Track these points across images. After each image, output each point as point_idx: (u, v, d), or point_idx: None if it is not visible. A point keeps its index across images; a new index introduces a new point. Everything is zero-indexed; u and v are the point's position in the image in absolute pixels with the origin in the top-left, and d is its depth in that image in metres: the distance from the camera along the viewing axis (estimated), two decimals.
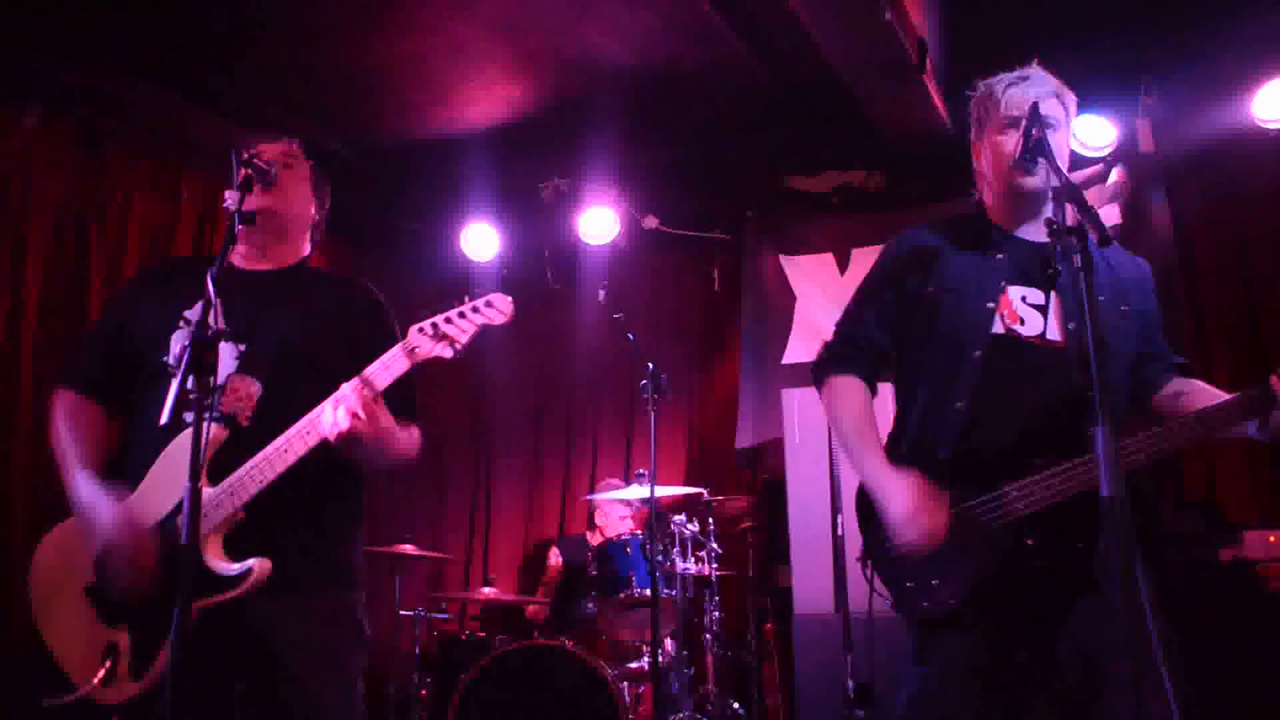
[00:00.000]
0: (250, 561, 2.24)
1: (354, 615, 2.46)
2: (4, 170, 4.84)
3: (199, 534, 1.92)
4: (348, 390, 2.27)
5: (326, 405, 2.27)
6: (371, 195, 6.44)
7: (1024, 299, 2.37)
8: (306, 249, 2.68)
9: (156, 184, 5.55)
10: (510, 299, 2.31)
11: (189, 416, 2.27)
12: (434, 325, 2.30)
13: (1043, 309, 2.37)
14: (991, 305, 2.35)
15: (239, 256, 2.57)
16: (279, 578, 2.27)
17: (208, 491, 2.28)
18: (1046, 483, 2.21)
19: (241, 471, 2.29)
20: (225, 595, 2.24)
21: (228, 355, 2.40)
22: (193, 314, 2.36)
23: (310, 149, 2.65)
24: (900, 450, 2.44)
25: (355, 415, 2.22)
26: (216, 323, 2.02)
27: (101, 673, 2.26)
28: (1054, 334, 2.35)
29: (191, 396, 1.95)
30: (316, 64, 5.20)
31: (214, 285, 2.08)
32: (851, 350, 2.54)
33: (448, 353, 2.30)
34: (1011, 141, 2.37)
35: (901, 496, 2.28)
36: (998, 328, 2.34)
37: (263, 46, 5.02)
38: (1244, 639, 4.59)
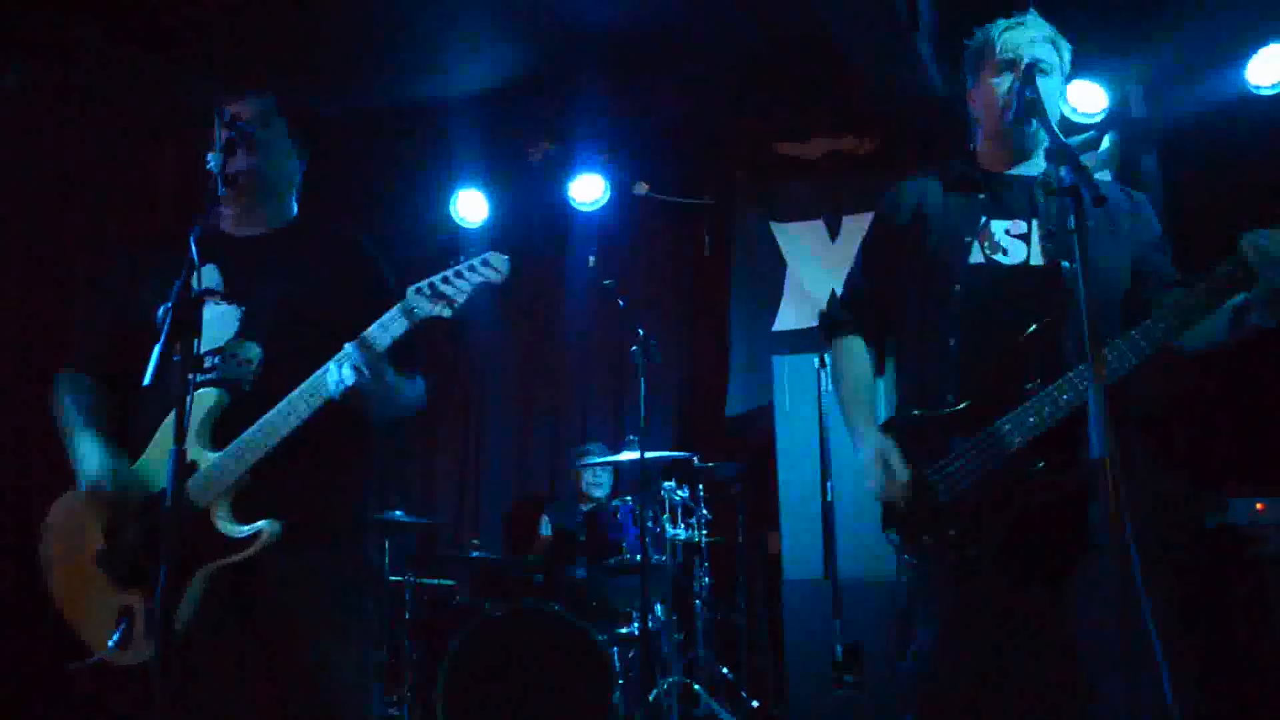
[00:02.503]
0: (260, 523, 2.26)
1: (366, 566, 2.53)
2: None
3: (182, 497, 1.90)
4: (351, 349, 2.27)
5: (331, 365, 2.27)
6: (360, 159, 6.38)
7: (1006, 231, 2.39)
8: (295, 207, 2.67)
9: (136, 146, 5.48)
10: (506, 257, 2.31)
11: (196, 379, 2.28)
12: (431, 285, 2.30)
13: (1025, 237, 2.38)
14: (969, 239, 2.39)
15: (230, 222, 2.55)
16: (289, 531, 2.29)
17: (214, 457, 2.30)
18: (1036, 410, 2.21)
19: (248, 435, 2.30)
20: (236, 557, 2.26)
21: (228, 319, 2.40)
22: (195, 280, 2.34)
23: (285, 105, 2.61)
24: (907, 401, 2.46)
25: (359, 371, 2.23)
26: (199, 285, 1.99)
27: (117, 635, 2.28)
28: (1036, 259, 2.36)
29: (176, 359, 1.93)
30: (303, 26, 5.13)
31: (206, 251, 2.06)
32: (853, 311, 2.60)
33: (446, 312, 2.31)
34: (1005, 84, 2.40)
35: (866, 454, 2.39)
36: (976, 257, 2.38)
37: (250, 7, 4.94)
38: (1227, 604, 4.63)
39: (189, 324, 1.97)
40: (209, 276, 2.42)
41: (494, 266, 2.30)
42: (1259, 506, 4.85)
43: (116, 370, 2.47)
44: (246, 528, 2.26)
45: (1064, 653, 2.27)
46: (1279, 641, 4.58)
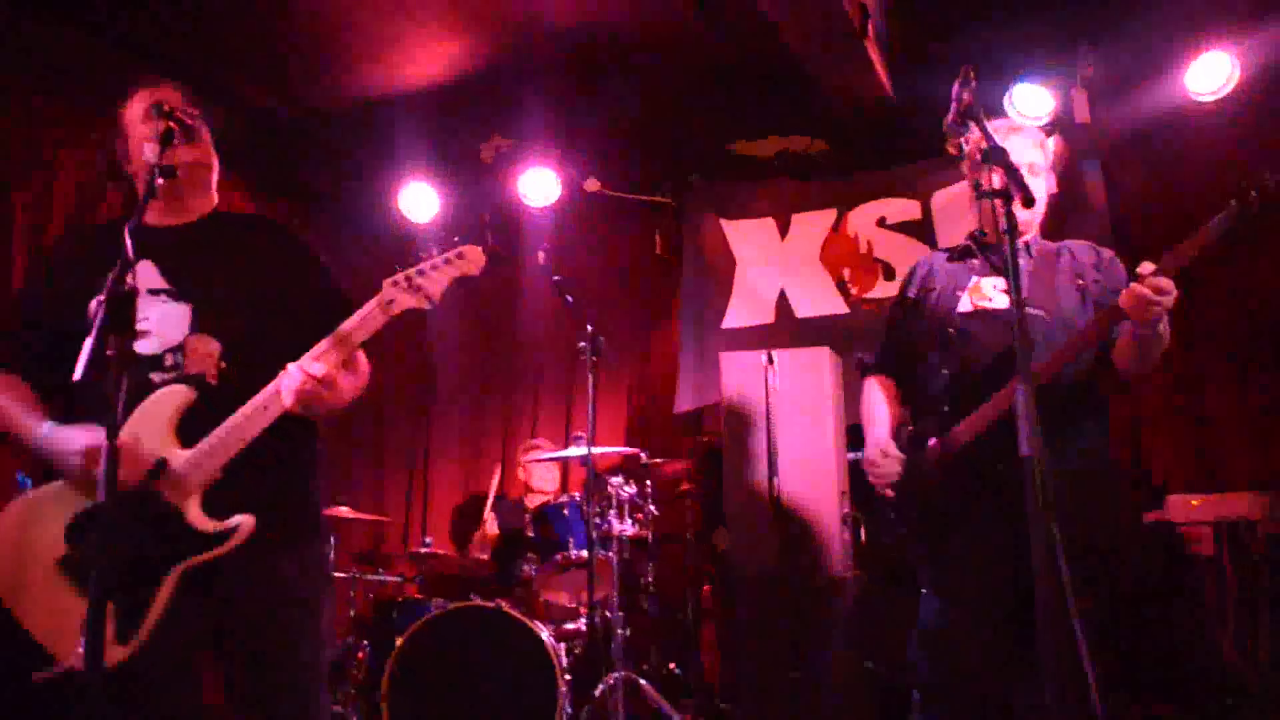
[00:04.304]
0: (236, 519, 2.24)
1: (325, 566, 2.51)
2: None
3: (115, 493, 1.87)
4: (321, 348, 2.27)
5: (293, 368, 2.25)
6: (308, 153, 6.33)
7: (995, 286, 2.93)
8: (216, 196, 2.63)
9: (84, 141, 5.39)
10: (481, 249, 2.33)
11: (158, 378, 2.26)
12: (408, 278, 2.30)
13: (1009, 291, 2.75)
14: (961, 293, 2.96)
15: (154, 213, 2.47)
16: (257, 531, 2.27)
17: (184, 454, 2.26)
18: (980, 413, 2.73)
19: (221, 432, 2.26)
20: (214, 553, 2.23)
21: (180, 316, 2.36)
22: (130, 276, 2.29)
23: (199, 92, 2.58)
24: (919, 420, 3.01)
25: (320, 374, 2.23)
26: (134, 279, 1.96)
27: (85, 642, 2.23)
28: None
29: (110, 354, 1.90)
30: (253, 19, 5.07)
31: (137, 245, 2.02)
32: (885, 356, 3.24)
33: (424, 304, 2.31)
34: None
35: (870, 448, 3.01)
36: (966, 307, 2.94)
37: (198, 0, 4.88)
38: (1165, 599, 4.73)
39: (122, 321, 1.93)
40: (146, 273, 2.37)
41: (470, 259, 2.32)
42: (1194, 502, 4.96)
43: (44, 373, 2.40)
44: (221, 525, 2.24)
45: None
46: (1210, 634, 4.68)
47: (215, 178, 2.60)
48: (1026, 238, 2.99)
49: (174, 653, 2.24)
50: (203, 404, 2.29)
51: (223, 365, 2.34)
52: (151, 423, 2.26)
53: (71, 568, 2.29)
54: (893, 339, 3.23)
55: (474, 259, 2.31)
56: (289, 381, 2.24)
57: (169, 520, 2.23)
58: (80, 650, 2.18)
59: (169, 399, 2.28)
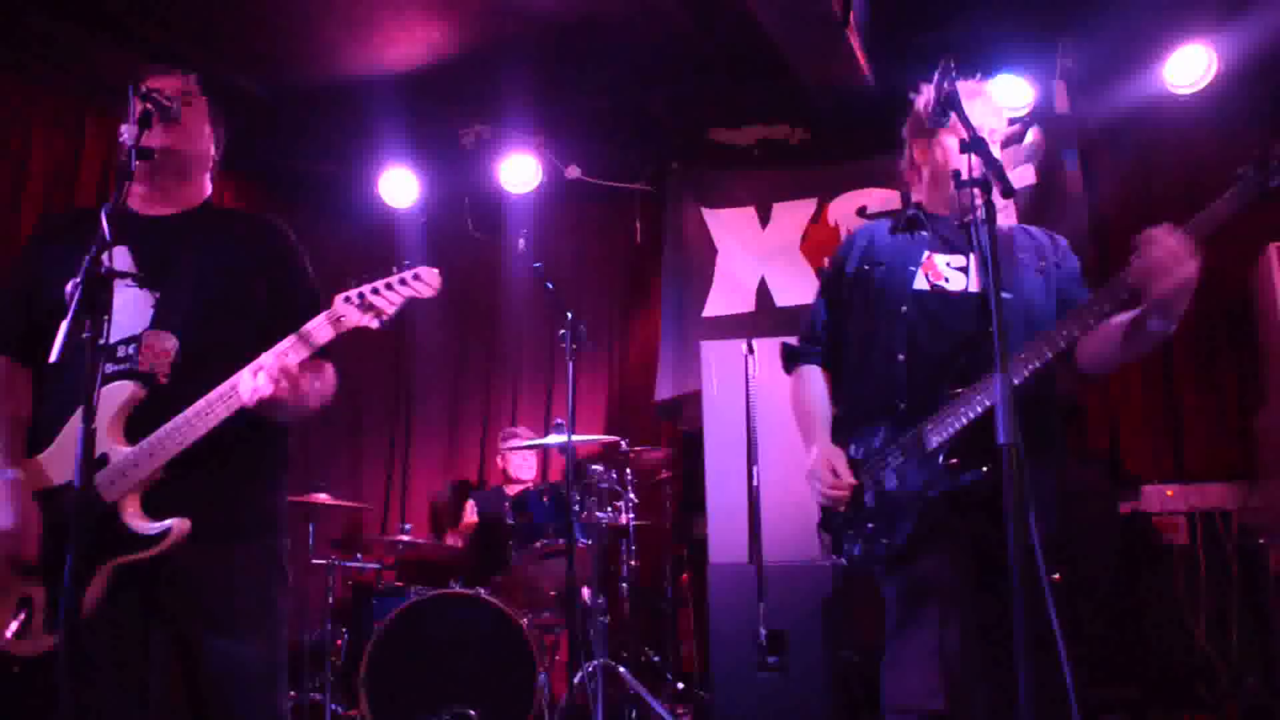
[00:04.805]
0: (169, 521, 2.21)
1: (278, 560, 2.45)
2: None
3: (92, 477, 1.86)
4: (269, 357, 2.23)
5: (246, 372, 2.23)
6: (288, 137, 6.28)
7: (948, 264, 2.65)
8: (209, 189, 2.60)
9: (59, 122, 5.33)
10: (438, 271, 2.29)
11: (109, 368, 2.23)
12: (361, 295, 2.27)
13: (964, 269, 2.63)
14: (914, 269, 2.65)
15: (139, 200, 2.46)
16: (203, 526, 2.24)
17: (126, 451, 2.24)
18: (954, 412, 2.43)
19: (162, 433, 2.24)
20: (143, 554, 2.21)
21: (142, 306, 2.33)
22: (105, 258, 2.26)
23: (208, 84, 2.56)
24: (851, 413, 2.71)
25: (276, 381, 2.19)
26: (111, 261, 1.94)
27: (15, 625, 2.21)
28: (974, 287, 2.59)
29: (85, 337, 1.88)
30: (232, 1, 5.03)
31: (116, 230, 2.00)
32: (810, 344, 2.88)
33: (374, 323, 2.29)
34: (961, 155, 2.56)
35: (814, 459, 2.64)
36: (921, 284, 2.63)
37: None
38: (1139, 587, 4.78)
39: (97, 303, 1.92)
40: (120, 257, 2.33)
41: (426, 281, 2.28)
42: (1169, 493, 5.01)
43: (25, 349, 2.39)
44: (155, 525, 2.21)
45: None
46: (1183, 622, 4.74)
47: (203, 167, 2.56)
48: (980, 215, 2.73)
49: (106, 647, 2.22)
50: (152, 401, 2.27)
51: (175, 364, 2.31)
52: (98, 417, 2.24)
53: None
54: (827, 320, 2.85)
55: (430, 281, 2.28)
56: (248, 379, 2.22)
57: (103, 518, 2.21)
58: (9, 632, 2.18)
59: (116, 394, 2.25)
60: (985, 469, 2.37)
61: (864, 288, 2.74)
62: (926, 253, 2.66)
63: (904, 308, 2.60)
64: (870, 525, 2.56)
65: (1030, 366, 2.36)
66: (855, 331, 2.75)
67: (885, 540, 2.50)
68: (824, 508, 2.67)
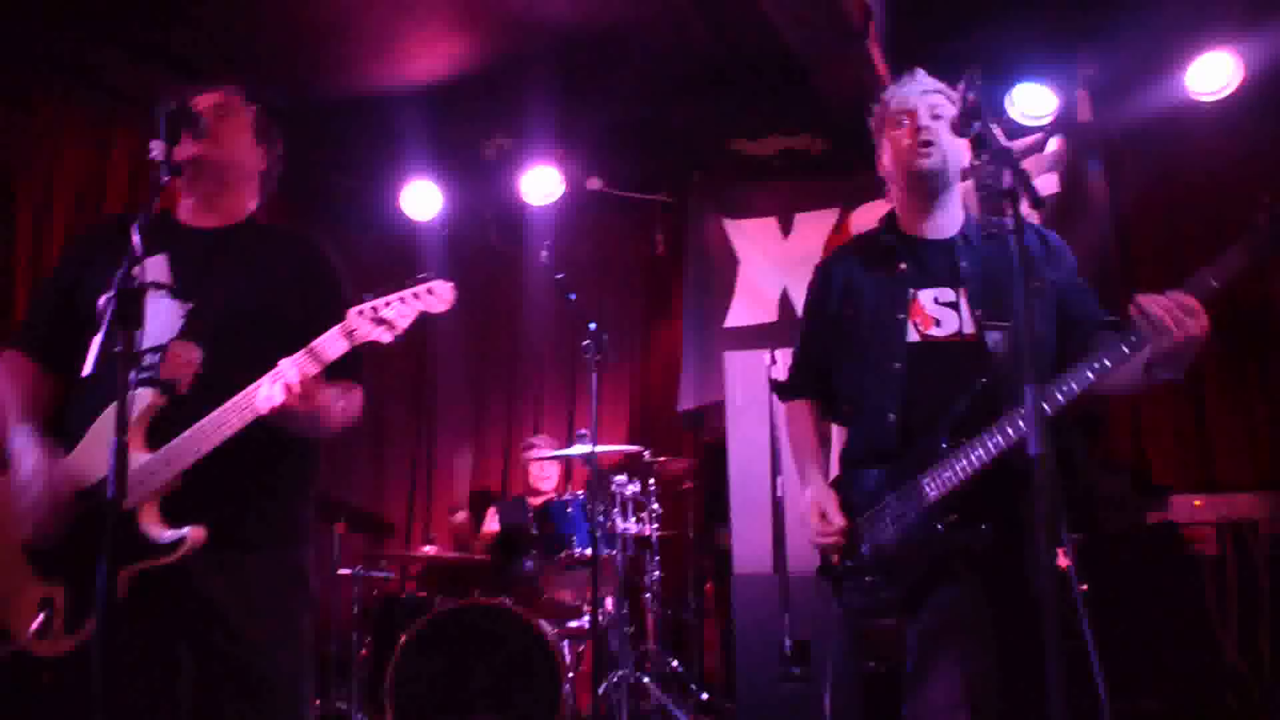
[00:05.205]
0: (184, 530, 2.21)
1: (301, 571, 2.44)
2: None
3: (125, 488, 1.87)
4: (286, 366, 2.23)
5: (264, 381, 2.23)
6: (311, 151, 6.32)
7: (935, 300, 2.48)
8: (254, 203, 2.60)
9: (87, 138, 5.39)
10: (451, 285, 2.29)
11: (133, 376, 2.24)
12: (374, 309, 2.26)
13: (954, 305, 2.47)
14: (902, 316, 2.48)
15: (185, 211, 2.49)
16: (222, 536, 2.24)
17: (144, 458, 2.24)
18: (952, 465, 2.30)
19: (179, 441, 2.25)
20: (157, 562, 2.21)
21: (174, 315, 2.34)
22: (139, 271, 2.29)
23: (252, 95, 2.57)
24: (852, 456, 2.60)
25: (290, 391, 2.19)
26: (146, 275, 1.96)
27: (36, 624, 2.22)
28: (968, 328, 2.44)
29: (117, 350, 1.90)
30: (255, 16, 5.07)
31: (159, 239, 2.02)
32: (800, 377, 2.78)
33: (386, 337, 2.28)
34: (905, 133, 2.54)
35: (806, 503, 2.57)
36: (913, 336, 2.46)
37: None
38: (1168, 599, 4.73)
39: (130, 316, 1.93)
40: (158, 267, 2.36)
41: (439, 295, 2.28)
42: (1197, 503, 4.97)
43: (58, 356, 2.41)
44: (170, 533, 2.21)
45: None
46: (1213, 634, 4.69)
47: (244, 178, 2.57)
48: (958, 224, 2.56)
49: (130, 656, 2.21)
50: (173, 410, 2.27)
51: (198, 374, 2.32)
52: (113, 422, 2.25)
53: (32, 551, 2.29)
54: (810, 358, 2.75)
55: (442, 295, 2.28)
56: (265, 388, 2.21)
57: (121, 523, 2.18)
58: (31, 631, 2.19)
59: (136, 402, 2.25)
60: (985, 526, 2.28)
61: (849, 336, 2.60)
62: (911, 292, 2.49)
63: (896, 364, 2.45)
64: (869, 579, 2.47)
65: (1056, 405, 2.21)
66: (844, 384, 2.63)
67: (885, 595, 2.43)
68: (821, 554, 2.60)
